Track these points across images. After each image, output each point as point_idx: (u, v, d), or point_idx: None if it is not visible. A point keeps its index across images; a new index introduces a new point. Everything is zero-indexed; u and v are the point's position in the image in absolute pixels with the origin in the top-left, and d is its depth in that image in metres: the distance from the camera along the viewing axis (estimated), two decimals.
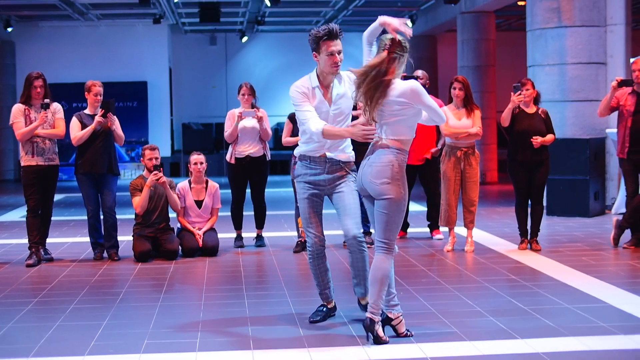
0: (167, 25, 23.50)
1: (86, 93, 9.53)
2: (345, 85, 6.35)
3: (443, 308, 6.73)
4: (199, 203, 9.74)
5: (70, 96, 20.99)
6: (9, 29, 21.73)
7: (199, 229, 9.70)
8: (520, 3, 18.58)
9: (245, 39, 25.43)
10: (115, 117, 9.46)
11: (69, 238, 11.17)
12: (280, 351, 5.62)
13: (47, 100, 9.18)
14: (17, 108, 9.23)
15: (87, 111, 9.56)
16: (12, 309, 7.00)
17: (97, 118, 9.30)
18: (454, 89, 9.48)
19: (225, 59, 26.35)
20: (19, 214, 14.02)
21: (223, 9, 20.81)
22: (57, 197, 17.23)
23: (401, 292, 7.41)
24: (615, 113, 9.80)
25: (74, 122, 9.43)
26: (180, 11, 21.74)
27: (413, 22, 22.46)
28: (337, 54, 6.15)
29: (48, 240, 9.72)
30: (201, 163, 9.73)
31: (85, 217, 9.60)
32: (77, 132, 9.34)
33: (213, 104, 25.35)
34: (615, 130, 10.38)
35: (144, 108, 23.05)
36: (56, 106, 9.38)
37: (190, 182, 9.79)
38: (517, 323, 6.20)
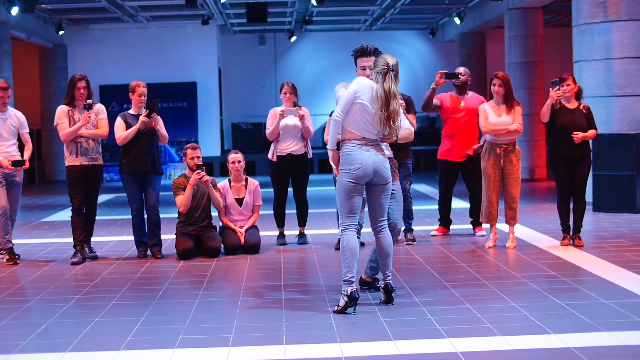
0: (215, 26, 23.69)
1: (130, 94, 9.67)
2: None
3: (478, 304, 6.72)
4: (239, 201, 9.83)
5: (121, 97, 21.21)
6: (61, 32, 22.08)
7: (241, 226, 9.79)
8: None
9: (294, 38, 25.54)
10: (159, 117, 9.57)
11: (115, 237, 11.34)
12: (311, 346, 5.67)
13: (89, 101, 9.34)
14: (61, 109, 9.40)
15: (131, 111, 9.70)
16: (55, 305, 7.14)
17: (142, 118, 9.43)
18: (494, 85, 9.44)
19: (274, 58, 26.49)
20: (68, 214, 14.15)
21: (270, 9, 20.94)
22: (107, 196, 17.63)
23: (438, 287, 7.45)
24: None
25: (119, 122, 9.57)
26: (229, 12, 21.91)
27: (461, 19, 22.38)
28: (367, 69, 6.84)
29: (94, 239, 9.89)
30: (239, 161, 9.81)
31: (130, 216, 9.74)
32: (122, 132, 9.48)
33: (262, 104, 25.45)
34: None
35: (194, 108, 23.27)
36: (99, 107, 9.53)
37: (230, 181, 9.88)
38: (551, 318, 6.17)
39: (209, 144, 23.49)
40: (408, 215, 10.12)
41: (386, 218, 6.84)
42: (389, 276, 6.81)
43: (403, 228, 9.84)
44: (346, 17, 23.72)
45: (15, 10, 17.43)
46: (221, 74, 24.98)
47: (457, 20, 22.61)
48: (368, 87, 6.62)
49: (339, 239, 9.71)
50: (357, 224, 6.73)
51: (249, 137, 24.52)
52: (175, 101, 23.16)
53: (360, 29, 25.64)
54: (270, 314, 6.64)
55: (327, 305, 6.82)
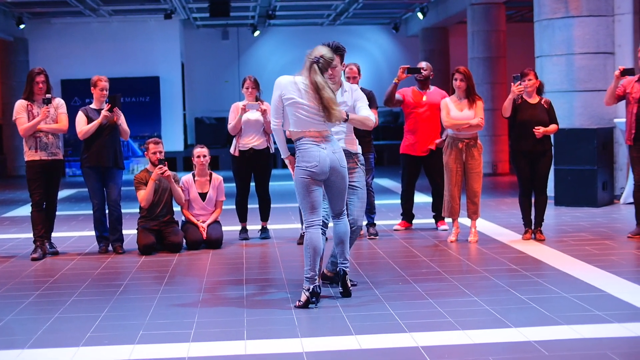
0: (178, 21, 23.57)
1: (92, 88, 9.57)
2: (346, 96, 7.10)
3: (440, 298, 6.73)
4: (203, 196, 9.78)
5: (83, 92, 20.91)
6: (22, 26, 21.84)
7: (203, 221, 9.75)
8: None
9: (257, 33, 25.47)
10: (120, 112, 9.48)
11: (76, 232, 11.24)
12: (272, 341, 5.64)
13: (48, 95, 9.24)
14: (20, 104, 9.29)
15: (93, 106, 9.60)
16: (13, 302, 7.06)
17: (104, 112, 9.35)
18: (456, 80, 9.46)
19: (237, 53, 26.41)
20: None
21: (233, 4, 20.84)
22: (69, 191, 17.49)
23: (400, 282, 7.46)
24: (623, 102, 9.78)
25: (80, 116, 9.47)
26: (191, 6, 21.78)
27: (424, 14, 22.43)
28: (332, 69, 6.79)
29: (55, 234, 9.79)
30: (204, 156, 9.77)
31: (92, 211, 9.66)
32: (83, 126, 9.39)
33: (226, 99, 25.32)
34: (624, 120, 10.34)
35: (157, 103, 23.14)
36: (59, 101, 9.44)
37: (194, 175, 9.83)
38: (512, 312, 6.20)
39: (172, 138, 23.36)
40: (370, 210, 10.12)
41: (344, 209, 6.84)
42: (343, 263, 6.84)
43: (365, 223, 9.86)
44: (309, 11, 23.68)
45: None
46: (184, 69, 24.84)
47: (420, 16, 22.66)
48: (290, 83, 6.64)
49: (302, 234, 9.77)
50: (320, 219, 6.70)
51: (213, 132, 24.40)
52: (138, 96, 23.01)
53: (324, 24, 25.63)
54: (231, 309, 6.61)
55: (289, 301, 6.80)
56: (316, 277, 6.56)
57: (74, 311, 6.68)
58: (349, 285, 6.88)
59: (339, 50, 6.96)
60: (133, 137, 21.81)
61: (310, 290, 6.50)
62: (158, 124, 23.10)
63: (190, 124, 25.48)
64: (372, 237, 10.06)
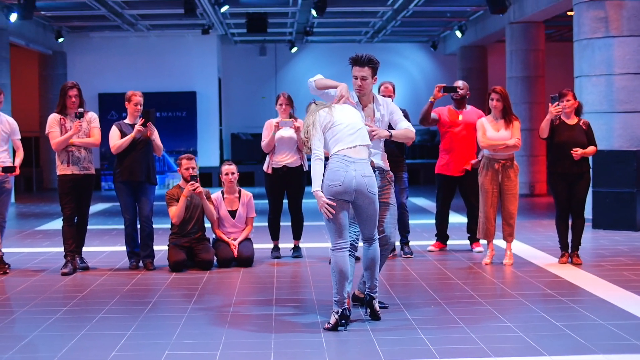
0: (216, 36, 23.59)
1: (126, 102, 9.56)
2: (381, 110, 7.05)
3: (472, 323, 6.58)
4: (232, 213, 9.70)
5: (120, 106, 20.68)
6: (60, 40, 21.98)
7: (234, 239, 9.66)
8: (569, 13, 18.27)
9: (294, 49, 25.45)
10: (154, 127, 9.44)
11: (108, 247, 11.20)
12: None
13: (80, 110, 9.22)
14: (53, 118, 9.29)
15: (127, 120, 9.59)
16: (40, 317, 7.00)
17: (137, 127, 9.32)
18: (492, 100, 9.31)
19: (275, 69, 26.39)
20: (61, 223, 14.08)
21: (271, 20, 20.83)
22: (104, 205, 17.51)
23: (432, 305, 7.31)
24: None
25: (114, 130, 9.46)
26: (229, 22, 21.81)
27: (462, 32, 22.29)
28: (359, 79, 6.81)
29: (87, 249, 9.76)
30: (232, 173, 9.69)
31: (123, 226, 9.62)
32: (117, 141, 9.36)
33: (262, 115, 25.19)
34: None
35: (193, 118, 23.15)
36: (92, 115, 9.42)
37: (223, 193, 9.76)
38: (546, 339, 6.04)
39: (208, 154, 23.38)
40: (404, 229, 10.00)
41: (375, 235, 6.68)
42: (372, 289, 6.70)
43: (398, 241, 9.76)
44: (347, 28, 23.63)
45: (13, 17, 17.31)
46: (221, 84, 24.87)
47: (458, 34, 22.51)
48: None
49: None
50: (347, 241, 6.55)
51: (249, 148, 24.36)
52: (175, 111, 23.05)
53: (362, 41, 25.54)
54: (259, 330, 6.51)
55: (319, 322, 6.68)
56: (345, 301, 6.43)
57: (101, 329, 6.61)
58: (377, 309, 6.73)
59: (371, 63, 6.82)
60: (169, 151, 21.85)
61: (339, 314, 6.38)
62: (194, 139, 23.11)
63: (226, 139, 25.47)
64: (408, 256, 9.94)
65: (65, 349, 5.96)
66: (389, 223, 7.07)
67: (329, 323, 6.43)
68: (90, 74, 22.63)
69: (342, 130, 6.51)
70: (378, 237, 6.75)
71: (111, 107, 21.81)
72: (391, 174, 7.21)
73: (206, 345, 6.02)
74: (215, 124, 23.96)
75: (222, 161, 24.09)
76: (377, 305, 6.73)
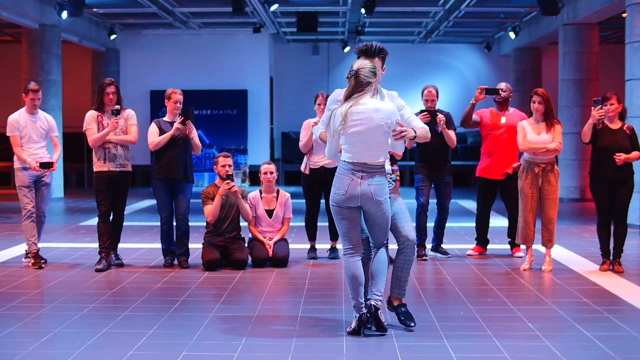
0: (268, 35, 23.58)
1: (166, 100, 9.57)
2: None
3: (500, 331, 6.41)
4: (269, 212, 9.63)
5: None
6: (113, 37, 22.14)
7: (270, 239, 9.59)
8: (624, 15, 17.90)
9: (347, 49, 25.31)
10: (193, 125, 9.42)
11: (146, 244, 11.20)
12: None
13: (117, 107, 9.22)
14: (90, 114, 9.30)
15: (166, 118, 9.59)
16: (66, 314, 6.99)
17: (176, 125, 9.30)
18: (534, 102, 9.12)
19: (327, 68, 26.29)
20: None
21: (322, 19, 20.76)
22: (148, 202, 17.54)
23: (462, 311, 7.15)
24: None
25: (153, 128, 9.46)
26: (280, 20, 21.78)
27: (516, 33, 21.99)
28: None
29: (125, 245, 9.77)
30: (271, 173, 9.63)
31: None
32: (155, 138, 9.35)
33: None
34: None
35: (244, 116, 23.18)
36: (129, 112, 9.42)
37: (261, 192, 9.69)
38: (575, 351, 5.86)
39: (258, 152, 23.39)
40: (423, 233, 10.05)
41: (385, 242, 6.47)
42: (376, 294, 6.34)
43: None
44: (399, 28, 23.44)
45: (64, 14, 17.47)
46: (273, 83, 24.86)
47: (512, 35, 22.20)
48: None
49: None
50: (357, 247, 6.37)
51: (299, 147, 24.24)
52: (226, 109, 23.09)
53: (415, 41, 25.32)
54: (281, 333, 6.43)
55: (342, 326, 6.56)
56: (362, 305, 6.28)
57: (123, 327, 6.57)
58: (383, 320, 6.33)
59: (382, 53, 6.51)
60: (219, 149, 21.87)
61: (359, 319, 6.25)
62: (245, 137, 23.12)
63: (277, 138, 25.45)
64: (422, 258, 9.86)
65: (84, 347, 5.92)
66: (406, 223, 6.63)
67: (350, 327, 6.32)
68: (142, 71, 22.82)
69: (354, 144, 6.24)
70: (399, 240, 6.58)
71: (163, 105, 21.49)
72: (398, 174, 7.06)
73: (225, 347, 5.95)
74: (266, 123, 23.97)
75: (272, 160, 24.12)
76: (381, 316, 6.34)
